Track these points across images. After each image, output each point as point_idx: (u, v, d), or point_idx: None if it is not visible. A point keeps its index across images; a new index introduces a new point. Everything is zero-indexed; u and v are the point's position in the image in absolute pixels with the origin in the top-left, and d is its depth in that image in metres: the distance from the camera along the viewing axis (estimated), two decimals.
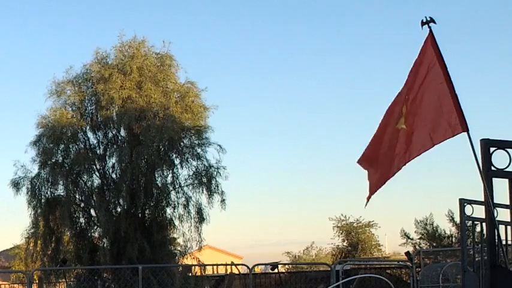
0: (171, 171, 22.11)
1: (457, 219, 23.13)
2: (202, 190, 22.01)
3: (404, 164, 7.85)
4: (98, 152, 22.33)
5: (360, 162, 8.53)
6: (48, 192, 21.84)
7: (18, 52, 53.06)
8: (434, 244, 29.39)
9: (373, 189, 8.25)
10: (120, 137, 22.20)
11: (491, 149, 7.87)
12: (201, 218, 22.11)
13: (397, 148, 7.93)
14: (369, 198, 8.29)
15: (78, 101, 22.10)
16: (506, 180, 7.94)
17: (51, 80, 22.18)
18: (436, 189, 56.46)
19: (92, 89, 22.08)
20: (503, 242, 8.01)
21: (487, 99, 51.55)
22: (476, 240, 8.98)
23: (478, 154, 7.55)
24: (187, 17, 56.30)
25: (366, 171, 8.44)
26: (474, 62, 52.94)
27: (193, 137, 22.17)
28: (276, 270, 22.49)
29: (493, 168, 7.84)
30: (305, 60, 57.96)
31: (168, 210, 22.27)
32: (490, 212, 7.78)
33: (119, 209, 21.86)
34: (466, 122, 7.30)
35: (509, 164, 7.82)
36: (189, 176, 22.26)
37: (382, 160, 8.20)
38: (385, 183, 8.12)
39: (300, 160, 61.02)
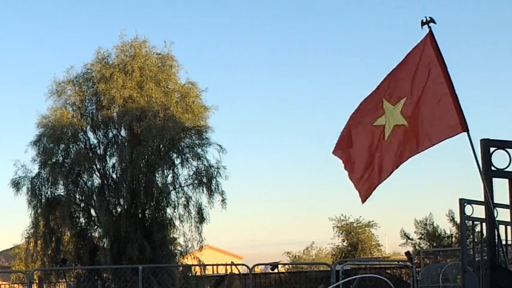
0: (171, 171, 22.14)
1: (457, 219, 23.12)
2: (203, 190, 22.07)
3: (401, 163, 7.82)
4: (98, 151, 22.34)
5: (335, 152, 8.55)
6: (49, 192, 21.89)
7: (18, 52, 53.05)
8: (434, 244, 29.40)
9: (368, 192, 8.16)
10: (120, 137, 22.23)
11: (491, 149, 7.87)
12: (201, 218, 22.15)
13: (392, 147, 7.89)
14: (365, 199, 8.22)
15: (78, 101, 22.12)
16: (506, 180, 7.93)
17: (52, 79, 22.29)
18: (436, 189, 56.47)
19: (93, 88, 22.11)
20: (503, 242, 8.01)
21: (487, 99, 51.59)
22: (476, 240, 8.99)
23: (478, 154, 7.54)
24: (189, 18, 56.32)
25: (343, 164, 8.43)
26: (474, 62, 52.97)
27: (193, 137, 22.19)
28: (276, 270, 22.43)
29: (493, 168, 7.83)
30: (306, 60, 58.00)
31: (169, 210, 22.34)
32: (490, 212, 7.78)
33: (119, 209, 21.88)
34: (466, 122, 7.29)
35: (509, 164, 7.81)
36: (189, 176, 22.32)
37: (362, 160, 8.16)
38: (380, 183, 8.06)
39: (300, 160, 61.02)
